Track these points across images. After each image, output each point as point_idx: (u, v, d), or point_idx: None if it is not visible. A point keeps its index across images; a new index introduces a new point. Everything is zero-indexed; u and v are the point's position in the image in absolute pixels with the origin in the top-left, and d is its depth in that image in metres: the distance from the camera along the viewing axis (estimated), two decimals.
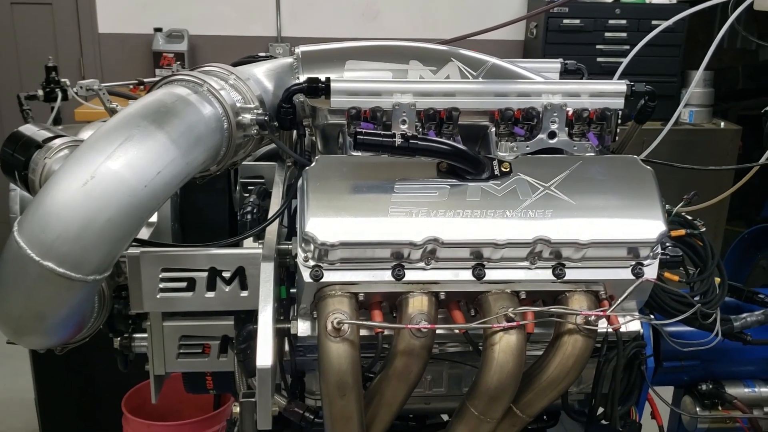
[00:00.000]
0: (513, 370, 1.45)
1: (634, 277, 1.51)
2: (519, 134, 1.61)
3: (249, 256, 1.51)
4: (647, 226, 1.48)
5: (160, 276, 1.51)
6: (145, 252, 1.51)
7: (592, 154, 1.64)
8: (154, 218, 1.65)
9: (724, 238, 5.03)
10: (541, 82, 1.65)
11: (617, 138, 1.78)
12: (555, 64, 2.01)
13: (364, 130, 1.41)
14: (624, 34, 4.62)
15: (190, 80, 1.40)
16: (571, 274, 1.50)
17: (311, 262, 1.46)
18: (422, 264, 1.48)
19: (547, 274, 1.50)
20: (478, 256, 1.48)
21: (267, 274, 1.44)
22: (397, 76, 1.69)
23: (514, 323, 1.44)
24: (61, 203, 1.19)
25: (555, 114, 1.61)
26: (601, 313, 1.46)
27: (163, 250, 1.53)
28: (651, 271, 1.53)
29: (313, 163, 1.50)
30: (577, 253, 1.48)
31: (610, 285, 1.53)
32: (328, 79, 1.58)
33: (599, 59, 4.59)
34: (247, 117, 1.45)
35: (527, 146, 1.62)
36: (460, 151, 1.47)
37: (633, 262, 1.51)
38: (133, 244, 1.53)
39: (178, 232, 1.73)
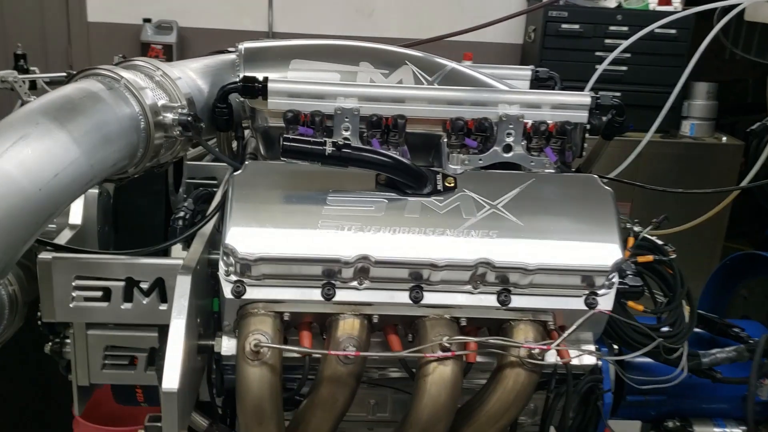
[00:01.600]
0: (445, 404, 1.33)
1: (586, 308, 1.39)
2: (471, 146, 1.49)
3: (168, 266, 1.40)
4: (602, 252, 1.36)
5: (74, 284, 1.40)
6: (58, 258, 1.39)
7: (552, 170, 1.51)
8: (77, 220, 1.54)
9: (722, 256, 4.87)
10: (499, 90, 1.53)
11: (584, 153, 1.66)
12: (525, 72, 1.88)
13: (291, 136, 1.29)
14: (625, 41, 4.46)
15: (106, 75, 1.29)
16: (517, 302, 1.38)
17: (233, 277, 1.35)
18: (355, 283, 1.36)
19: (491, 300, 1.38)
20: (416, 278, 1.36)
21: (182, 288, 1.32)
22: (345, 78, 1.57)
23: (449, 354, 1.32)
24: None
25: (511, 126, 1.49)
26: (545, 347, 1.34)
27: (78, 257, 1.41)
28: (606, 302, 1.40)
29: (242, 169, 1.39)
30: (524, 279, 1.36)
31: (562, 314, 1.41)
32: (265, 79, 1.46)
33: (598, 66, 4.44)
34: (168, 117, 1.33)
35: (480, 159, 1.50)
36: (398, 163, 1.35)
37: (586, 291, 1.39)
38: (47, 248, 1.43)
39: (108, 236, 1.62)
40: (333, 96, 1.47)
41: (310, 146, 1.28)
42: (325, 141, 1.28)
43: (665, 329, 1.62)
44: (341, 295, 1.36)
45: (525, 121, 1.49)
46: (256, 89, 1.45)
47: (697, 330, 1.78)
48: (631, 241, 1.64)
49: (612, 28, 4.45)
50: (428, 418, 1.34)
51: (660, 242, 1.71)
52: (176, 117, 1.33)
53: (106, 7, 4.59)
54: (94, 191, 1.56)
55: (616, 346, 1.62)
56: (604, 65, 2.20)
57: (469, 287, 1.38)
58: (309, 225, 1.32)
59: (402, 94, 1.49)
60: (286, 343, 1.41)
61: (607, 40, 4.46)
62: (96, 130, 1.19)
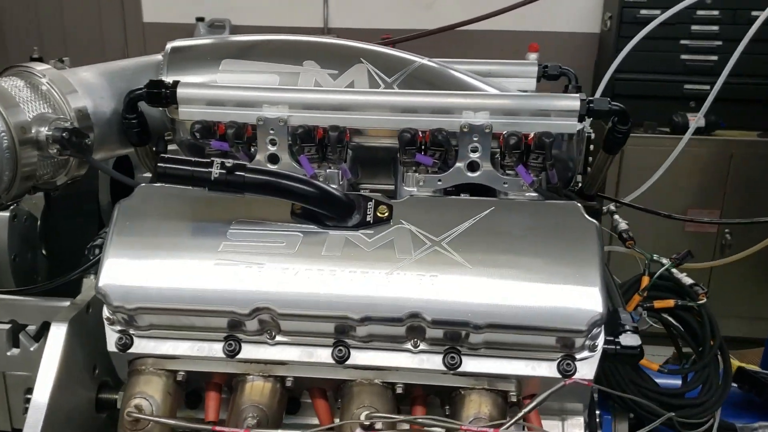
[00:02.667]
0: None
1: (560, 375, 1.07)
2: (426, 164, 1.19)
3: (54, 309, 1.17)
4: (576, 306, 1.03)
5: None
6: None
7: (533, 194, 1.19)
8: None
9: None
10: (464, 94, 1.21)
11: (587, 169, 1.33)
12: (531, 68, 1.55)
13: (169, 157, 1.03)
14: (715, 28, 3.94)
15: None
16: (469, 365, 1.08)
17: (117, 326, 1.11)
18: (264, 337, 1.09)
19: (435, 363, 1.08)
20: (340, 331, 1.08)
21: (55, 338, 1.10)
22: (285, 80, 1.30)
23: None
24: None
25: (476, 138, 1.17)
26: (492, 430, 1.02)
27: None
28: (587, 368, 1.07)
29: (132, 195, 1.14)
30: (476, 336, 1.05)
31: (531, 382, 1.09)
32: (174, 83, 1.22)
33: (684, 57, 3.96)
34: (43, 133, 1.10)
35: (439, 180, 1.20)
36: (308, 189, 1.06)
37: (560, 354, 1.06)
38: None
39: (29, 264, 1.43)
40: (257, 103, 1.20)
41: (192, 169, 1.02)
42: (212, 161, 1.02)
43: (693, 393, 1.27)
44: (248, 351, 1.10)
45: (495, 132, 1.17)
46: (163, 96, 1.21)
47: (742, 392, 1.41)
48: (645, 281, 1.29)
49: (700, 12, 3.94)
50: None
51: (689, 281, 1.35)
52: (51, 133, 1.10)
53: (161, 7, 4.51)
54: (4, 215, 1.37)
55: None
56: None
57: (407, 345, 1.08)
58: (202, 265, 1.07)
59: (340, 100, 1.20)
60: (192, 406, 1.17)
61: (694, 27, 3.96)
62: None
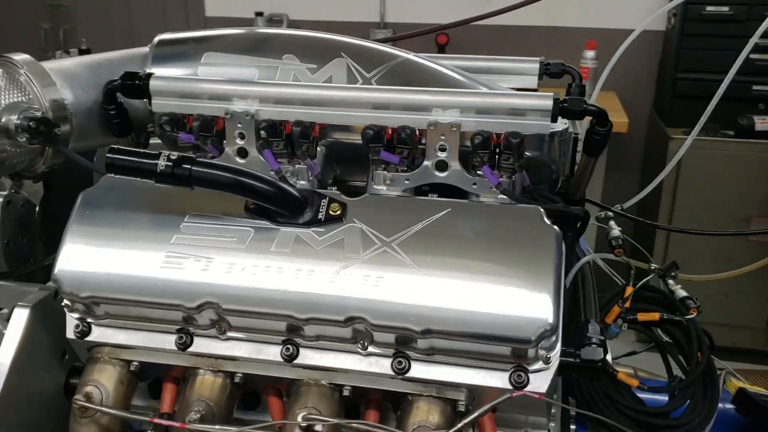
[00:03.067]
0: None
1: (518, 390, 1.02)
2: (392, 162, 1.15)
3: (24, 293, 1.20)
4: (524, 315, 0.98)
5: None
6: None
7: (504, 196, 1.14)
8: None
9: None
10: (433, 91, 1.17)
11: (574, 172, 1.26)
12: (532, 65, 1.49)
13: (118, 148, 1.04)
14: None
15: None
16: (418, 371, 1.04)
17: (76, 314, 1.13)
18: (215, 332, 1.09)
19: (384, 366, 1.05)
20: (290, 330, 1.06)
21: (17, 322, 1.13)
22: (264, 74, 1.29)
23: None
24: None
25: (443, 137, 1.13)
26: None
27: None
28: (540, 381, 1.02)
29: (96, 184, 1.16)
30: (423, 341, 1.01)
31: (484, 392, 1.04)
32: (147, 75, 1.22)
33: (753, 56, 3.74)
34: (12, 121, 1.13)
35: (407, 180, 1.16)
36: (255, 184, 1.05)
37: (511, 365, 1.02)
38: None
39: (21, 251, 1.47)
40: (227, 96, 1.20)
41: (138, 161, 1.02)
42: (159, 154, 1.02)
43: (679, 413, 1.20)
44: (199, 345, 1.10)
45: (468, 131, 1.13)
46: (135, 88, 1.22)
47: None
48: (628, 290, 1.22)
49: None
50: None
51: (683, 294, 1.27)
52: (19, 122, 1.13)
53: (223, 2, 4.60)
54: None
55: None
56: None
57: (356, 347, 1.05)
58: (152, 257, 1.07)
59: (307, 94, 1.18)
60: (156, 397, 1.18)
61: None
62: None
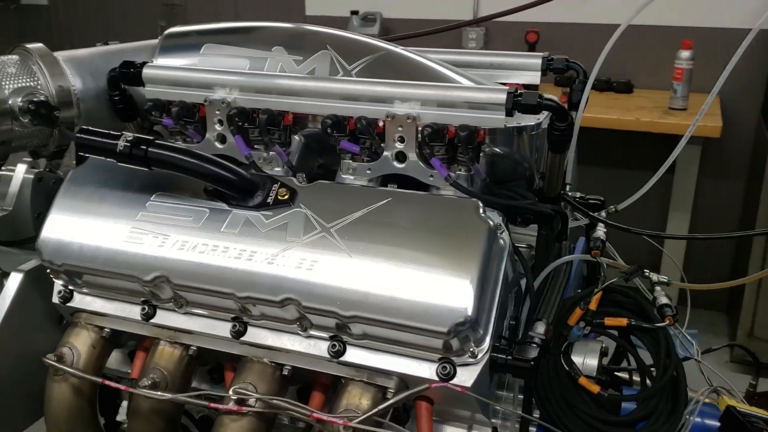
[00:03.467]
0: None
1: (442, 381, 1.02)
2: (352, 151, 1.18)
3: (23, 260, 1.32)
4: (443, 305, 0.98)
5: None
6: None
7: (459, 189, 1.14)
8: (9, 202, 1.54)
9: None
10: (394, 83, 1.17)
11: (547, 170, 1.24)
12: (534, 60, 1.47)
13: (87, 128, 1.13)
14: None
15: None
16: (352, 356, 1.07)
17: (60, 281, 1.23)
18: (173, 305, 1.16)
19: (322, 349, 1.08)
20: (241, 309, 1.11)
21: (11, 286, 1.24)
22: (254, 65, 1.35)
23: (232, 407, 1.06)
24: None
25: (401, 128, 1.15)
26: (335, 421, 1.00)
27: None
28: (467, 375, 1.02)
29: (83, 164, 1.26)
30: (356, 327, 1.04)
31: (416, 383, 1.05)
32: (141, 65, 1.31)
33: None
34: (16, 102, 1.25)
35: (368, 170, 1.19)
36: (208, 169, 1.11)
37: (438, 356, 1.02)
38: None
39: None
40: (209, 85, 1.27)
41: (100, 140, 1.11)
42: (121, 135, 1.10)
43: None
44: (161, 317, 1.18)
45: (418, 123, 1.14)
46: (131, 75, 1.31)
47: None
48: (597, 296, 1.19)
49: None
50: None
51: (664, 301, 1.21)
52: (20, 105, 1.25)
53: (322, 3, 4.73)
54: (29, 176, 1.55)
55: None
56: None
57: (296, 328, 1.09)
58: (119, 231, 1.15)
59: (278, 84, 1.23)
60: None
61: None
62: None
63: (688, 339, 1.29)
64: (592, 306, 1.19)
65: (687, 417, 1.17)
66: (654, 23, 3.87)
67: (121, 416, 1.39)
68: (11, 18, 5.21)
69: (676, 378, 1.15)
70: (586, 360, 1.24)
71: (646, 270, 1.30)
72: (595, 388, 1.16)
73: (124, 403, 1.38)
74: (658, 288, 1.27)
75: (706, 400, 1.23)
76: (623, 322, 1.18)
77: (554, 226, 1.27)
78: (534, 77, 1.47)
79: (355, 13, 4.52)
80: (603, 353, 1.28)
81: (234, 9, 4.94)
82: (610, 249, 1.46)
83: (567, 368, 1.18)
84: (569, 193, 1.38)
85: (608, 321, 1.19)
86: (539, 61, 1.46)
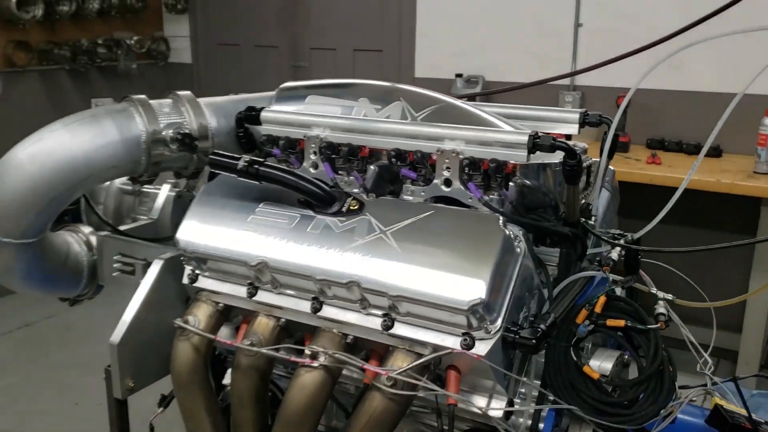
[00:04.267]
0: (300, 407, 1.43)
1: (461, 350, 1.34)
2: (410, 177, 1.54)
3: (163, 252, 1.73)
4: (463, 289, 1.30)
5: (114, 258, 1.84)
6: (104, 236, 1.85)
7: (489, 208, 1.47)
8: (155, 213, 1.99)
9: None
10: (448, 126, 1.53)
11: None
12: (573, 115, 1.78)
13: (218, 152, 1.54)
14: None
15: (131, 101, 1.71)
16: (399, 329, 1.40)
17: (189, 267, 1.64)
18: (270, 287, 1.54)
19: (376, 324, 1.42)
20: (318, 291, 1.48)
21: (152, 270, 1.66)
22: (344, 112, 1.74)
23: (307, 361, 1.42)
24: None
25: (447, 160, 1.50)
26: (381, 372, 1.34)
27: (115, 237, 1.85)
28: (482, 347, 1.33)
29: (215, 180, 1.67)
30: (401, 305, 1.37)
31: (454, 356, 1.36)
32: (260, 109, 1.73)
33: None
34: (168, 134, 1.69)
35: (423, 192, 1.54)
36: (301, 183, 1.49)
37: (462, 331, 1.34)
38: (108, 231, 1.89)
39: None
40: (308, 125, 1.67)
41: (227, 161, 1.52)
42: (241, 158, 1.51)
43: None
44: (261, 295, 1.55)
45: (461, 157, 1.48)
46: (252, 117, 1.74)
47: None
48: (602, 300, 1.47)
49: None
50: (287, 417, 1.44)
51: (660, 310, 1.49)
52: (171, 135, 1.69)
53: (430, 65, 5.17)
54: (171, 194, 2.00)
55: None
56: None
57: (357, 306, 1.44)
58: (235, 229, 1.55)
59: (356, 125, 1.62)
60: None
61: None
62: (97, 137, 1.61)
63: None
64: (597, 309, 1.47)
65: (674, 406, 1.42)
66: (735, 91, 4.04)
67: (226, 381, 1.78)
68: (160, 73, 5.97)
69: (662, 371, 1.40)
70: (602, 363, 1.52)
71: (654, 289, 1.57)
72: (596, 375, 1.44)
73: (229, 371, 1.76)
74: (660, 301, 1.53)
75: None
76: (621, 323, 1.45)
77: (575, 246, 1.56)
78: (573, 128, 1.78)
79: (459, 75, 4.93)
80: (624, 363, 1.55)
81: (352, 71, 5.47)
82: (648, 282, 1.73)
83: (575, 358, 1.46)
84: (590, 222, 1.67)
85: (609, 322, 1.46)
86: (577, 116, 1.78)
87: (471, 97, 4.12)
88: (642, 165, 3.96)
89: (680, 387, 1.44)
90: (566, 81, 4.77)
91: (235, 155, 1.53)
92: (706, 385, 1.51)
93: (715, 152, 4.18)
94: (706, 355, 1.54)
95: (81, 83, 5.31)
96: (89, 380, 3.82)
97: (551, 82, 4.76)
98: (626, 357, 1.54)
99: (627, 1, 4.52)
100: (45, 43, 4.99)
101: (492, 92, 4.37)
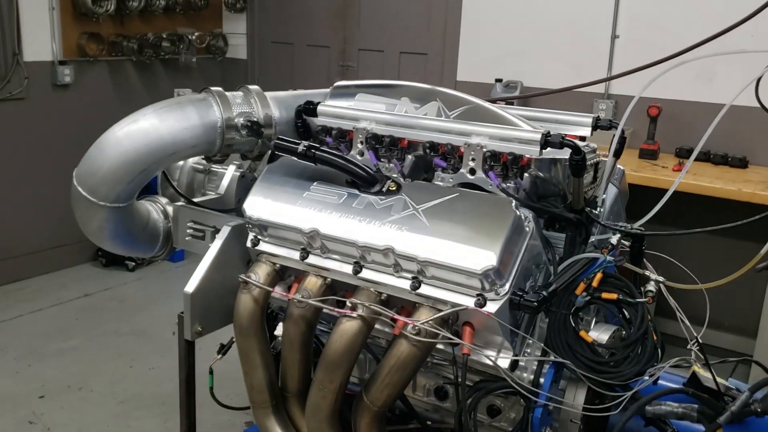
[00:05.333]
0: (339, 350, 1.72)
1: (475, 307, 1.62)
2: (441, 165, 1.83)
3: (230, 220, 2.05)
4: (477, 257, 1.58)
5: (188, 224, 2.16)
6: (179, 206, 2.18)
7: (505, 193, 1.75)
8: (222, 189, 2.31)
9: None
10: (475, 124, 1.81)
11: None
12: (587, 119, 2.05)
13: (283, 138, 1.85)
14: None
15: (210, 92, 2.02)
16: (424, 290, 1.69)
17: (251, 234, 1.95)
18: (319, 251, 1.84)
19: (406, 284, 1.71)
20: (359, 256, 1.77)
21: (222, 233, 1.98)
22: (388, 108, 2.04)
23: (348, 312, 1.72)
24: (90, 153, 1.94)
25: (473, 153, 1.78)
26: (409, 322, 1.63)
27: (190, 207, 2.17)
28: (492, 306, 1.61)
29: (277, 161, 1.98)
30: (428, 270, 1.66)
31: (469, 314, 1.65)
32: (317, 103, 2.04)
33: None
34: (239, 121, 2.00)
35: (451, 179, 1.83)
36: (348, 166, 1.79)
37: (476, 293, 1.62)
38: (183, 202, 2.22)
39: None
40: (357, 119, 1.97)
41: (289, 145, 1.82)
42: (302, 142, 1.81)
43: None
44: (311, 259, 1.86)
45: (484, 150, 1.77)
46: (310, 110, 2.04)
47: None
48: (598, 276, 1.74)
49: None
50: (328, 360, 1.74)
51: (650, 288, 1.75)
52: (241, 122, 2.00)
53: (471, 69, 5.44)
54: (236, 174, 2.31)
55: None
56: None
57: (391, 270, 1.73)
58: (293, 202, 1.86)
59: (398, 120, 1.91)
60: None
61: None
62: (181, 121, 1.93)
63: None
64: (594, 283, 1.74)
65: (656, 370, 1.68)
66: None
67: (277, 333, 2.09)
68: (217, 67, 6.34)
69: (646, 338, 1.67)
70: (600, 334, 1.79)
71: (648, 271, 1.84)
72: (590, 339, 1.71)
73: (280, 324, 2.08)
74: (652, 282, 1.79)
75: None
76: (614, 296, 1.72)
77: (580, 231, 1.84)
78: (586, 131, 2.05)
79: (498, 80, 5.19)
80: (620, 338, 1.80)
81: (397, 73, 5.77)
82: (649, 267, 1.98)
83: (573, 324, 1.73)
84: (594, 212, 1.93)
85: (604, 295, 1.73)
86: (590, 120, 2.04)
87: (509, 101, 4.39)
88: (668, 172, 4.18)
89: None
90: (601, 89, 5.00)
91: (296, 141, 1.84)
92: (691, 355, 1.76)
93: (741, 163, 4.36)
94: (695, 333, 1.80)
95: (145, 74, 5.70)
96: (142, 347, 4.22)
97: (587, 90, 5.01)
98: (623, 333, 1.80)
99: (663, 16, 4.73)
100: (115, 36, 5.38)
101: (526, 96, 4.65)
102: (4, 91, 4.80)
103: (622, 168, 2.26)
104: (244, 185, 2.30)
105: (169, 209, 2.26)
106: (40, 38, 5.03)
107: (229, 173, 2.31)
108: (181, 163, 2.44)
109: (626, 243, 2.00)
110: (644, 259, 2.03)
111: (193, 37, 5.90)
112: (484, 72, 5.36)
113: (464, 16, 5.39)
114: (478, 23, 5.37)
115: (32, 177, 5.10)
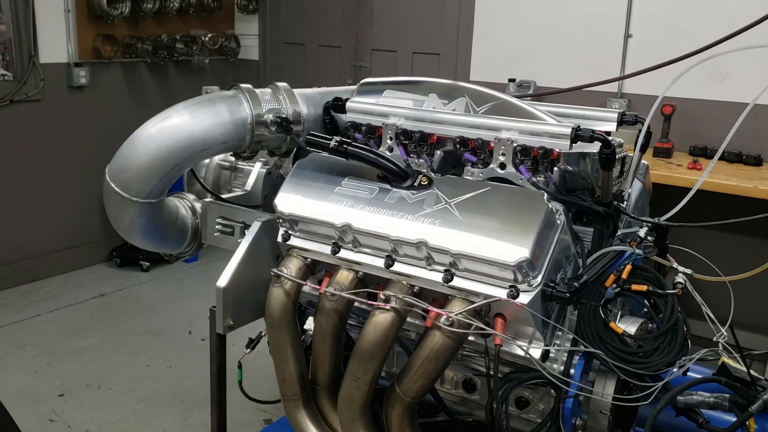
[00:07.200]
0: (373, 342, 1.74)
1: (508, 298, 1.64)
2: (471, 160, 1.85)
3: (259, 216, 2.07)
4: (510, 250, 1.61)
5: (216, 220, 2.19)
6: (207, 202, 2.21)
7: (536, 187, 1.77)
8: (248, 187, 2.33)
9: None
10: (505, 119, 1.83)
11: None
12: (612, 114, 2.07)
13: (315, 133, 1.88)
14: None
15: (239, 89, 2.05)
16: (457, 282, 1.71)
17: (282, 229, 1.98)
18: (351, 246, 1.86)
19: (438, 277, 1.73)
20: (392, 250, 1.79)
21: (252, 229, 2.01)
22: (416, 104, 2.06)
23: (381, 304, 1.74)
24: (123, 150, 1.97)
25: (503, 147, 1.80)
26: (443, 313, 1.65)
27: (218, 203, 2.20)
28: (525, 297, 1.63)
29: (308, 157, 2.01)
30: (460, 262, 1.68)
31: (501, 305, 1.67)
32: (345, 100, 2.06)
33: None
34: (268, 117, 2.03)
35: (481, 173, 1.85)
36: (379, 161, 1.81)
37: (508, 284, 1.64)
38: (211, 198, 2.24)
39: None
40: (386, 115, 1.99)
41: (320, 140, 1.85)
42: (333, 138, 1.84)
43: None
44: (343, 253, 1.88)
45: (514, 144, 1.79)
46: (338, 107, 2.07)
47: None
48: (627, 268, 1.76)
49: None
50: (362, 351, 1.76)
51: (679, 279, 1.76)
52: (271, 119, 2.03)
53: (484, 69, 5.46)
54: (263, 170, 2.33)
55: None
56: None
57: (424, 263, 1.75)
58: (324, 197, 1.88)
59: (427, 116, 1.93)
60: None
61: None
62: (212, 117, 1.96)
63: None
64: (624, 275, 1.76)
65: (686, 360, 1.69)
66: None
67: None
68: (229, 68, 6.38)
69: (676, 329, 1.68)
70: (628, 326, 1.80)
71: (675, 264, 1.86)
72: (619, 330, 1.72)
73: (310, 318, 2.10)
74: (680, 273, 1.81)
75: None
76: (644, 288, 1.74)
77: (608, 223, 1.86)
78: (611, 126, 2.07)
79: (512, 80, 5.21)
80: (648, 331, 1.82)
81: (410, 73, 5.80)
82: (671, 260, 2.01)
83: (603, 316, 1.75)
84: (621, 205, 1.95)
85: (634, 287, 1.75)
86: (615, 115, 2.06)
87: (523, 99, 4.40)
88: (683, 170, 4.19)
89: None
90: (614, 88, 5.02)
91: (328, 136, 1.86)
92: (718, 347, 1.78)
93: (755, 161, 4.37)
94: (720, 327, 1.81)
95: (158, 75, 5.74)
96: (159, 345, 4.24)
97: (600, 89, 5.02)
98: (650, 325, 1.82)
99: (676, 15, 4.74)
100: (129, 38, 5.41)
101: (541, 94, 4.66)
102: (20, 93, 4.84)
103: (646, 163, 2.28)
104: (271, 182, 2.33)
105: (197, 205, 2.28)
106: (55, 40, 5.07)
107: (256, 170, 2.34)
108: (207, 160, 2.47)
109: (650, 237, 2.02)
110: (668, 254, 2.05)
111: (206, 39, 5.94)
112: (498, 72, 5.38)
113: (477, 15, 5.42)
114: (491, 23, 5.39)
115: (48, 178, 5.13)
